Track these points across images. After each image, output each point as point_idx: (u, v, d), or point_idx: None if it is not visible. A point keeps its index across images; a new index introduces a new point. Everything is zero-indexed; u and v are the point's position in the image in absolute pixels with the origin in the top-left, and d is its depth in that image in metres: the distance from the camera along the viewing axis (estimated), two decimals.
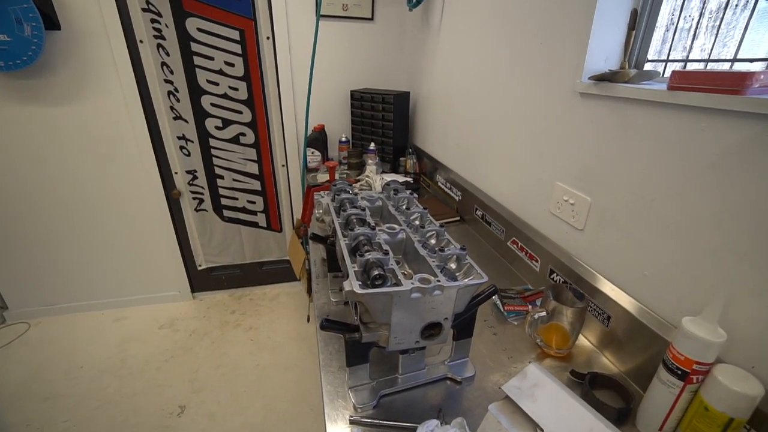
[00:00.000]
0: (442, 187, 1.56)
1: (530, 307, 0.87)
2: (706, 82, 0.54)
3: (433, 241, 0.68)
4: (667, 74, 0.73)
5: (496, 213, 1.14)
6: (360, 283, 0.51)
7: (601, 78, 0.71)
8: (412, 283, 0.52)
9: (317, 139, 1.92)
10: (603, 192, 0.77)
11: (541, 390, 0.54)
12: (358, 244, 0.62)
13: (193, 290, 2.35)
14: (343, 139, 1.98)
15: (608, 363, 0.74)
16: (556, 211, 0.90)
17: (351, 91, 1.95)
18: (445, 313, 0.56)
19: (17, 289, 2.09)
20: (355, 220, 0.69)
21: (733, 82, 0.51)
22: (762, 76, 0.49)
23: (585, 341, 0.79)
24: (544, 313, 0.72)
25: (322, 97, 2.01)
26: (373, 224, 0.68)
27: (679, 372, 0.54)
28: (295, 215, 2.25)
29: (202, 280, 2.35)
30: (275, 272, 2.45)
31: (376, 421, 0.60)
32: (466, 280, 0.56)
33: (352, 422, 0.60)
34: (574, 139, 0.84)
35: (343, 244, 0.63)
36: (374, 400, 0.63)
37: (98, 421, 1.57)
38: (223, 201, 2.14)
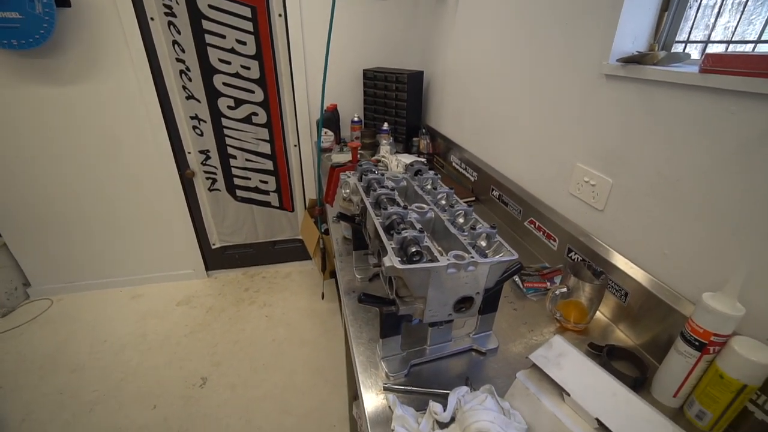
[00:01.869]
0: (457, 167, 1.57)
1: (548, 283, 0.91)
2: (740, 66, 0.55)
3: (461, 220, 0.71)
4: (696, 56, 0.73)
5: (513, 193, 1.16)
6: (399, 259, 0.54)
7: (630, 60, 0.72)
8: (448, 259, 0.55)
9: (330, 119, 1.92)
10: (625, 174, 0.79)
11: (566, 359, 0.57)
12: (392, 222, 0.65)
13: (207, 268, 2.41)
14: (356, 119, 1.98)
15: (624, 336, 0.78)
16: (576, 191, 0.92)
17: (364, 70, 1.94)
18: (477, 287, 0.59)
19: (39, 267, 2.15)
20: (385, 200, 0.72)
21: None
22: None
23: (602, 316, 0.83)
24: (564, 289, 0.76)
25: (334, 76, 2.00)
26: (403, 204, 0.71)
27: (697, 343, 0.57)
28: (307, 195, 2.28)
29: (216, 259, 2.40)
30: (287, 251, 2.49)
31: (408, 387, 0.64)
32: (498, 256, 0.59)
33: (386, 389, 0.65)
34: (597, 121, 0.85)
35: (377, 222, 0.65)
36: (405, 369, 0.67)
37: (125, 391, 1.65)
38: (236, 181, 2.17)
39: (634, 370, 0.69)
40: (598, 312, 0.83)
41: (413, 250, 0.56)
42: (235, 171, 2.14)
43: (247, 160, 2.13)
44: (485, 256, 0.61)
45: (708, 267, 0.64)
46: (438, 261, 0.55)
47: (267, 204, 2.29)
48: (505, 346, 0.75)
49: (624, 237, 0.80)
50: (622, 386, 0.52)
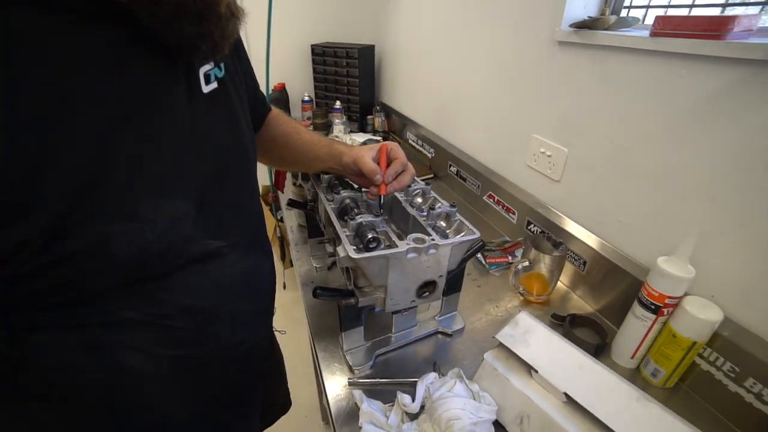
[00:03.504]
0: (414, 144, 1.53)
1: (510, 257, 0.91)
2: (688, 27, 0.54)
3: (419, 200, 0.67)
4: (648, 21, 0.72)
5: (471, 168, 1.14)
6: (354, 247, 0.50)
7: (581, 25, 0.70)
8: (408, 244, 0.51)
9: (279, 99, 1.80)
10: (580, 143, 0.78)
11: (532, 335, 0.56)
12: (346, 207, 0.60)
13: None
14: (306, 99, 1.87)
15: (584, 304, 0.80)
16: (533, 163, 0.91)
17: (312, 45, 1.82)
18: (439, 270, 0.56)
19: None
20: (337, 183, 0.66)
21: (715, 27, 0.51)
22: (744, 20, 0.50)
23: (562, 285, 0.84)
24: (526, 263, 0.75)
25: (279, 53, 1.86)
26: (357, 185, 0.66)
27: (653, 307, 0.58)
28: (260, 182, 2.15)
29: None
30: None
31: (374, 380, 0.61)
32: (459, 236, 0.56)
33: (351, 384, 0.61)
34: (551, 90, 0.83)
35: (329, 208, 0.60)
36: (370, 360, 0.64)
37: None
38: None
39: (595, 336, 0.71)
40: (560, 282, 0.85)
41: (369, 236, 0.52)
42: None
43: None
44: (446, 236, 0.58)
45: (661, 232, 0.65)
46: (397, 246, 0.51)
47: None
48: (472, 325, 0.74)
49: (580, 206, 0.81)
50: (587, 357, 0.52)
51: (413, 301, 0.57)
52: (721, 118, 0.55)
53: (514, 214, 0.98)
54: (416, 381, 0.59)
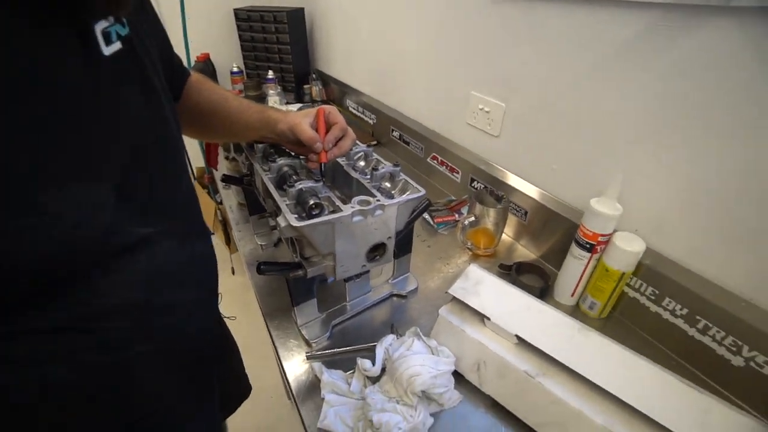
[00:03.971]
0: (354, 111, 1.49)
1: (457, 215, 0.92)
2: None
3: (362, 163, 0.65)
4: None
5: (414, 131, 1.13)
6: (296, 216, 0.46)
7: None
8: (353, 207, 0.49)
9: (203, 71, 1.64)
10: (516, 97, 0.80)
11: (482, 286, 0.58)
12: (284, 175, 0.56)
13: None
14: (235, 70, 1.72)
15: (527, 252, 0.84)
16: (473, 120, 0.91)
17: (234, 10, 1.65)
18: (387, 232, 0.55)
19: None
20: (273, 151, 0.62)
21: None
22: None
23: (506, 237, 0.88)
24: (472, 218, 0.77)
25: (198, 19, 1.68)
26: (295, 153, 0.61)
27: (588, 246, 0.62)
28: (194, 163, 1.99)
29: None
30: None
31: (333, 350, 0.60)
32: (405, 195, 0.55)
33: (309, 358, 0.60)
34: (487, 46, 0.83)
35: (266, 178, 0.56)
36: (327, 331, 0.63)
37: None
38: None
39: (539, 280, 0.75)
40: (504, 234, 0.88)
41: (311, 202, 0.49)
42: None
43: None
44: (392, 197, 0.57)
45: (592, 176, 0.69)
46: (342, 210, 0.49)
47: None
48: (425, 285, 0.75)
49: (518, 159, 0.83)
50: (534, 299, 0.55)
51: (364, 266, 0.56)
52: (637, 64, 0.57)
53: (458, 173, 0.99)
54: (375, 345, 0.59)
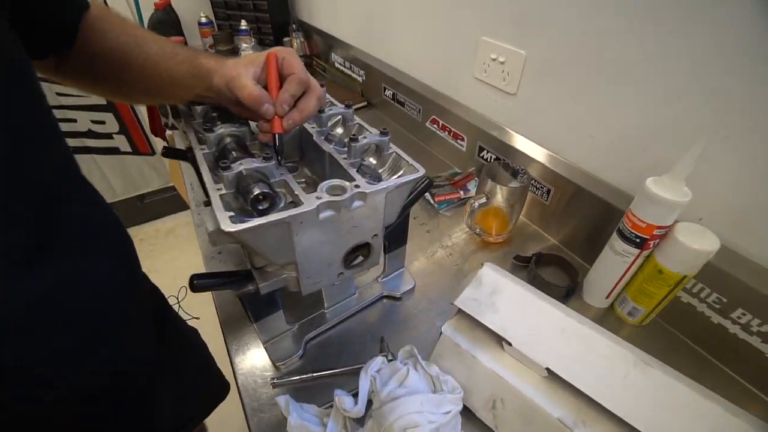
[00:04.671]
0: (341, 68, 1.28)
1: (462, 192, 0.77)
2: None
3: (339, 130, 0.48)
4: None
5: (410, 89, 0.94)
6: (232, 214, 0.31)
7: None
8: (318, 197, 0.33)
9: (163, 22, 1.41)
10: (540, 41, 0.61)
11: (501, 296, 0.44)
12: (224, 150, 0.39)
13: None
14: (204, 20, 1.48)
15: (547, 237, 0.69)
16: (483, 75, 0.73)
17: None
18: (372, 228, 0.39)
19: None
20: (216, 116, 0.45)
21: None
22: None
23: (522, 220, 0.73)
24: (483, 200, 0.61)
25: None
26: (245, 118, 0.45)
27: (638, 240, 0.47)
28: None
29: None
30: (162, 203, 2.05)
31: (305, 376, 0.47)
32: (396, 177, 0.39)
33: (276, 385, 0.46)
34: None
35: (199, 154, 0.39)
36: (299, 349, 0.49)
37: None
38: None
39: (563, 276, 0.61)
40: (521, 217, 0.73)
41: (256, 192, 0.33)
42: None
43: (59, 94, 1.53)
44: (378, 179, 0.41)
45: (646, 148, 0.52)
46: (302, 203, 0.33)
47: (113, 150, 1.76)
48: (423, 282, 0.61)
49: (542, 123, 0.66)
50: (572, 317, 0.41)
51: (341, 274, 0.41)
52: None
53: (463, 140, 0.83)
54: (359, 368, 0.46)
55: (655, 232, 0.46)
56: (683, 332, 0.53)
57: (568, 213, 0.64)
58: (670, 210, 0.44)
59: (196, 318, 1.42)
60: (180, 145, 0.56)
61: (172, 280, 1.77)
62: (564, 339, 0.40)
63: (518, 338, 0.40)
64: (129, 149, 1.79)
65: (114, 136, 1.72)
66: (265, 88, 0.38)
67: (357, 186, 0.35)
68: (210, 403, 0.76)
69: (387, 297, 0.58)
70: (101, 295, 0.37)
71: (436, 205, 0.75)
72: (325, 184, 0.35)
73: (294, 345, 0.50)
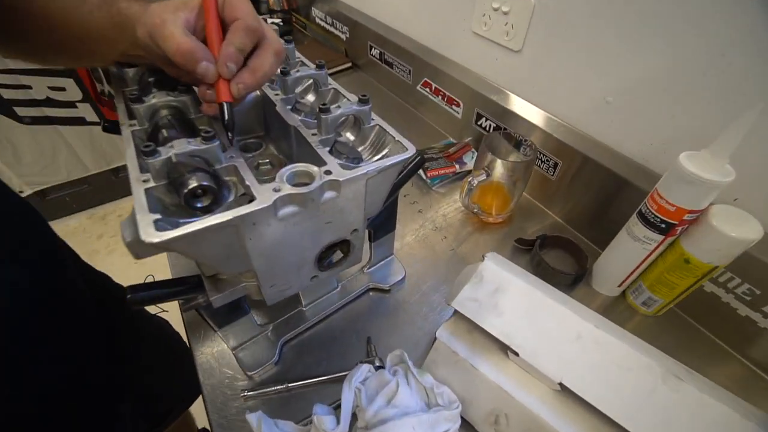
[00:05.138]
0: (323, 24, 1.15)
1: (457, 166, 0.69)
2: None
3: (310, 98, 0.39)
4: None
5: (399, 48, 0.83)
6: (157, 216, 0.23)
7: None
8: (276, 190, 0.25)
9: None
10: None
11: (505, 296, 0.37)
12: (157, 126, 0.30)
13: None
14: None
15: (550, 215, 0.62)
16: (482, 28, 0.63)
17: None
18: (351, 222, 0.32)
19: None
20: (152, 81, 0.35)
21: None
22: None
23: (524, 196, 0.66)
24: (484, 176, 0.54)
25: None
26: (188, 83, 0.35)
27: (663, 225, 0.41)
28: None
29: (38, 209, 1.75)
30: None
31: (280, 387, 0.41)
32: (379, 157, 0.32)
33: (248, 398, 0.41)
34: None
35: (126, 131, 0.31)
36: (274, 355, 0.43)
37: None
38: (5, 94, 1.42)
39: (570, 261, 0.55)
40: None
41: (192, 185, 0.25)
42: None
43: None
44: (358, 159, 0.33)
45: (675, 114, 0.45)
46: (255, 198, 0.25)
47: (78, 120, 1.62)
48: (414, 270, 0.54)
49: (550, 86, 0.57)
50: (588, 321, 0.35)
51: (314, 277, 0.34)
52: None
53: (458, 106, 0.73)
54: (342, 376, 0.40)
55: (685, 217, 0.39)
56: (703, 324, 0.48)
57: (577, 189, 0.57)
58: (708, 192, 0.37)
59: (165, 311, 1.37)
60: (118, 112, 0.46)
61: (152, 260, 1.71)
62: (579, 347, 0.34)
63: (526, 347, 0.34)
64: (96, 119, 1.65)
65: (77, 104, 1.57)
66: (204, 42, 0.29)
67: (328, 172, 0.27)
68: (189, 394, 0.72)
69: (374, 289, 0.51)
70: (10, 311, 0.30)
71: (428, 181, 0.68)
72: (285, 171, 0.27)
73: (268, 350, 0.43)
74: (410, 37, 0.82)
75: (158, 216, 0.23)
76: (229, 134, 0.29)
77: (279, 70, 0.38)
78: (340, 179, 0.27)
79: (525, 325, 0.35)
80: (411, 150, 0.31)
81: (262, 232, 0.26)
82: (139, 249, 0.23)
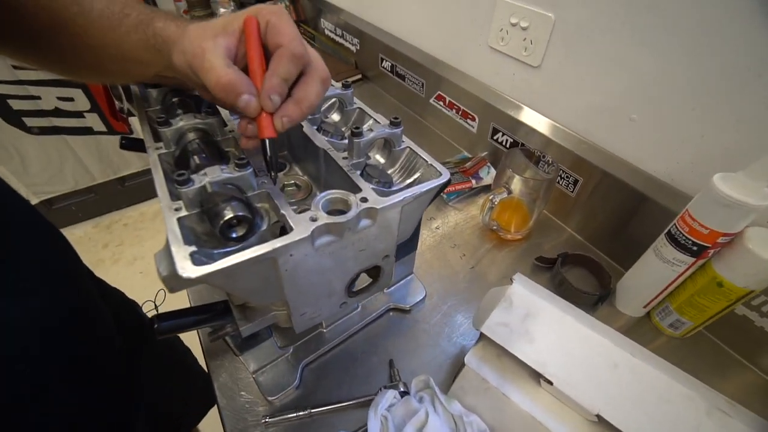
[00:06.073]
0: (332, 35, 1.15)
1: (474, 181, 0.68)
2: None
3: (335, 117, 0.39)
4: None
5: (411, 61, 0.83)
6: (193, 249, 0.22)
7: None
8: (313, 219, 0.25)
9: None
10: (573, 1, 0.51)
11: (536, 321, 0.36)
12: (186, 151, 0.30)
13: None
14: None
15: (568, 231, 0.62)
16: (499, 43, 0.63)
17: None
18: (383, 249, 0.31)
19: None
20: (177, 102, 0.35)
21: None
22: None
23: (542, 213, 0.65)
24: (505, 194, 0.53)
25: None
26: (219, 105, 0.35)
27: (694, 247, 0.40)
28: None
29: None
30: (146, 185, 1.92)
31: (302, 413, 0.40)
32: (410, 182, 0.31)
33: (269, 424, 0.39)
34: None
35: (153, 155, 0.30)
36: (295, 378, 0.42)
37: None
38: (15, 105, 1.43)
39: (592, 280, 0.54)
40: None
41: (228, 216, 0.24)
42: (2, 88, 1.39)
43: (16, 68, 1.37)
44: (389, 183, 0.32)
45: (702, 133, 0.44)
46: (292, 229, 0.24)
47: (86, 130, 1.62)
48: (434, 289, 0.53)
49: (571, 102, 0.57)
50: (624, 349, 0.34)
51: (344, 303, 0.33)
52: None
53: (473, 120, 0.73)
54: (365, 401, 0.39)
55: (719, 240, 0.38)
56: (735, 347, 0.46)
57: (598, 207, 0.56)
58: (744, 215, 0.36)
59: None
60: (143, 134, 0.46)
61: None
62: (616, 376, 0.33)
63: (561, 375, 0.33)
64: (103, 129, 1.65)
65: (85, 114, 1.58)
66: (246, 70, 0.28)
67: (364, 199, 0.27)
68: (200, 410, 0.71)
69: (394, 309, 0.50)
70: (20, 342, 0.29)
71: (444, 196, 0.67)
72: (321, 199, 0.26)
73: (288, 373, 0.42)
74: (423, 49, 0.82)
75: (194, 248, 0.22)
76: (272, 173, 0.28)
77: None
78: (378, 207, 0.26)
79: (558, 353, 0.34)
80: (446, 175, 0.30)
81: (298, 262, 0.25)
82: (176, 283, 0.22)
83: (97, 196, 1.84)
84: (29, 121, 1.49)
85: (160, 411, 0.59)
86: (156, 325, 0.28)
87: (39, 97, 1.46)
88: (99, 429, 0.42)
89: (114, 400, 0.45)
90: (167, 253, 0.22)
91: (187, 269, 0.21)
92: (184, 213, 0.25)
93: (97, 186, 1.80)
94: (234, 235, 0.25)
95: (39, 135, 1.54)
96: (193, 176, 0.25)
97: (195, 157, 0.28)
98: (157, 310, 0.88)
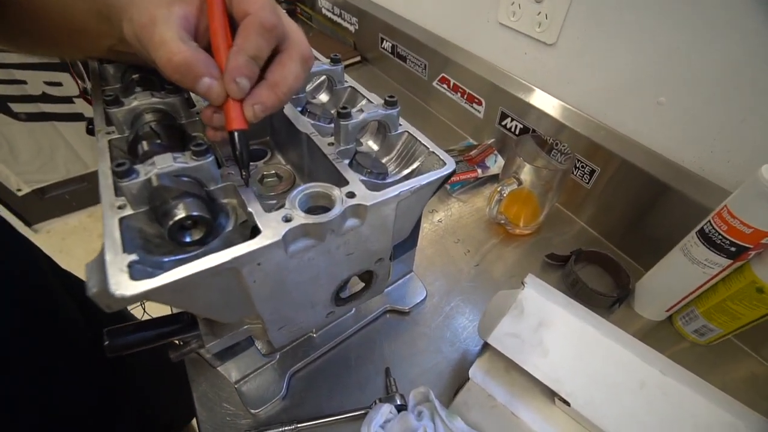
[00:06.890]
0: (329, 14, 1.08)
1: (479, 170, 0.63)
2: None
3: (323, 97, 0.34)
4: None
5: (413, 40, 0.77)
6: (134, 257, 0.17)
7: None
8: (287, 219, 0.20)
9: None
10: None
11: (550, 331, 0.32)
12: (138, 138, 0.25)
13: (29, 224, 1.74)
14: None
15: (585, 228, 0.57)
16: (510, 19, 0.57)
17: None
18: (375, 252, 0.26)
19: None
20: (137, 78, 0.30)
21: None
22: None
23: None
24: (515, 185, 0.48)
25: None
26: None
27: (733, 248, 0.35)
28: None
29: (35, 208, 1.72)
30: None
31: (288, 427, 0.36)
32: (408, 173, 0.26)
33: None
34: None
35: (102, 140, 0.25)
36: (281, 389, 0.38)
37: None
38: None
39: (608, 279, 0.49)
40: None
41: (179, 216, 0.19)
42: None
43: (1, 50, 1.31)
44: (383, 174, 0.27)
45: (743, 117, 0.39)
46: (260, 232, 0.20)
47: (76, 117, 1.57)
48: (435, 287, 0.49)
49: (588, 83, 0.51)
50: (653, 365, 0.29)
51: (331, 313, 0.29)
52: None
53: (480, 104, 0.68)
54: (358, 414, 0.35)
55: (763, 240, 0.33)
56: (762, 354, 0.42)
57: (613, 197, 0.51)
58: None
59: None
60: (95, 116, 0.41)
61: None
62: (644, 397, 0.28)
63: (578, 395, 0.29)
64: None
65: (74, 100, 1.52)
66: (209, 48, 0.23)
67: (351, 194, 0.22)
68: (186, 411, 0.68)
69: (392, 311, 0.46)
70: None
71: (447, 187, 0.62)
72: (297, 194, 0.21)
73: (274, 383, 0.38)
74: (426, 28, 0.76)
75: (134, 257, 0.18)
76: (243, 172, 0.23)
77: None
78: (367, 204, 0.22)
79: (576, 369, 0.30)
80: (450, 165, 0.25)
81: (268, 272, 0.21)
82: (111, 300, 0.17)
83: (90, 184, 1.79)
84: (16, 107, 1.44)
85: (144, 412, 0.56)
86: (107, 342, 0.24)
87: (25, 82, 1.41)
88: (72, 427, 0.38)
89: (91, 402, 0.41)
90: (99, 262, 0.17)
91: (122, 285, 0.16)
92: (129, 212, 0.20)
93: (90, 174, 1.75)
94: (188, 239, 0.20)
95: (27, 121, 1.49)
96: (138, 166, 0.20)
97: (144, 143, 0.23)
98: (143, 307, 0.84)
